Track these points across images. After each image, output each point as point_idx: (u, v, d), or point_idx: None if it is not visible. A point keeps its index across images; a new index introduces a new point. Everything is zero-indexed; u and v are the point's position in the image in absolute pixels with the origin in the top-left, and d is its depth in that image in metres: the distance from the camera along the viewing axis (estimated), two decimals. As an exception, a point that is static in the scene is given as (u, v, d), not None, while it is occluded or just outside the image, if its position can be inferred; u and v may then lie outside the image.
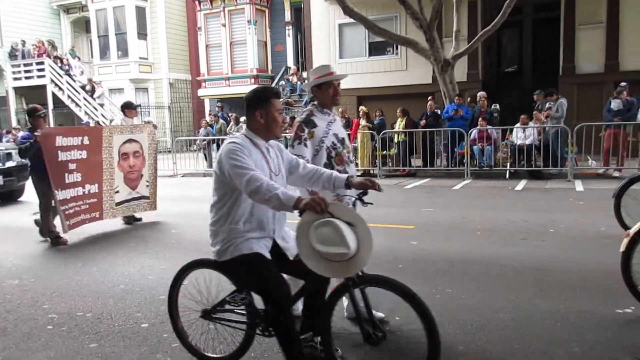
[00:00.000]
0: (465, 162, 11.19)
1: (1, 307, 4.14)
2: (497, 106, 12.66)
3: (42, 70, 21.35)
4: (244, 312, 2.80)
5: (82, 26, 25.13)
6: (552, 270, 4.54)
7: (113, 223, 7.45)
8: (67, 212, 6.38)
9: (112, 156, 7.06)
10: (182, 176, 14.10)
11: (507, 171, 11.01)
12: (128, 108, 7.98)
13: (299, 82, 19.47)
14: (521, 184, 9.96)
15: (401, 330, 2.96)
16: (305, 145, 3.33)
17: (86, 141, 6.67)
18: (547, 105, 11.11)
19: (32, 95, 22.33)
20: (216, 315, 2.92)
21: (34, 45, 21.85)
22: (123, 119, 7.94)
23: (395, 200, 8.79)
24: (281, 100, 2.69)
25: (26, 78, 22.04)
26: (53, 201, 6.39)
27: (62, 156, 6.37)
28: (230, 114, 16.14)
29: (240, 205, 2.63)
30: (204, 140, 15.27)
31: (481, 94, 12.37)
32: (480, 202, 8.25)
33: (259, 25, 20.90)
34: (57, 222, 6.53)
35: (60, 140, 6.36)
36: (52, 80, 21.27)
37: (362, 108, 12.93)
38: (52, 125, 21.17)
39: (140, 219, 7.69)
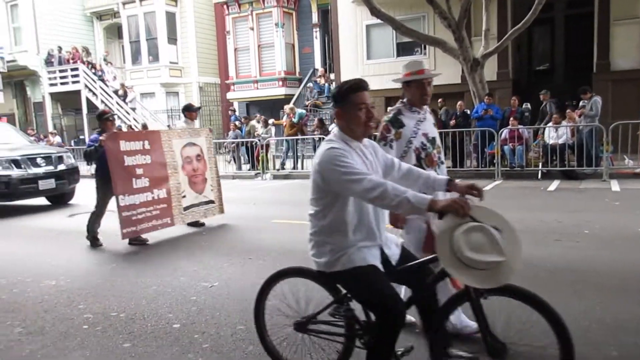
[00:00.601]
0: (495, 162, 11.01)
1: (39, 306, 4.26)
2: (529, 105, 12.43)
3: (77, 76, 21.96)
4: (341, 323, 2.62)
5: (115, 32, 25.73)
6: (587, 271, 4.44)
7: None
8: (134, 218, 6.27)
9: (175, 160, 6.93)
10: (212, 178, 14.24)
11: (539, 171, 10.79)
12: (189, 110, 7.84)
13: (326, 84, 19.48)
14: (554, 184, 9.75)
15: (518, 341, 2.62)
16: (391, 146, 3.16)
17: (147, 145, 6.57)
18: (581, 103, 10.86)
19: (67, 100, 23.03)
20: (311, 327, 2.72)
21: (69, 51, 22.50)
22: (185, 121, 7.82)
23: (425, 201, 8.69)
24: (366, 91, 2.43)
25: (61, 84, 22.73)
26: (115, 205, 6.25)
27: (129, 161, 6.29)
28: (260, 116, 16.25)
29: (348, 214, 2.41)
30: (232, 143, 15.44)
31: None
32: (511, 203, 8.10)
33: (287, 28, 21.02)
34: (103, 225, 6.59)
35: (124, 145, 6.27)
36: (86, 86, 21.84)
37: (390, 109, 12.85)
38: (86, 129, 21.82)
39: (203, 224, 7.49)
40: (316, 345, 2.84)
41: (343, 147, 2.39)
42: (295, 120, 14.59)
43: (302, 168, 14.05)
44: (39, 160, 9.74)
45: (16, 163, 9.42)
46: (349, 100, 2.42)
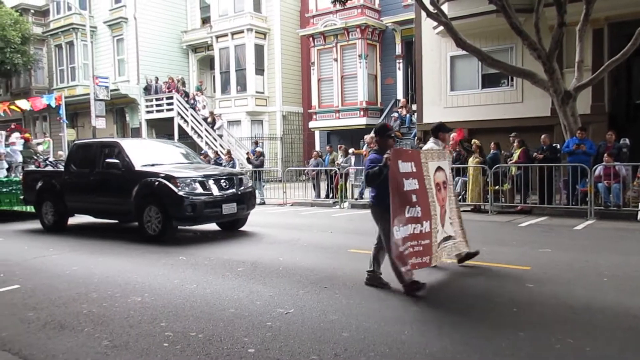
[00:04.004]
0: (588, 200, 10.33)
1: (125, 322, 4.48)
2: (627, 141, 11.61)
3: (171, 104, 23.52)
4: None
5: (207, 64, 27.36)
6: (696, 327, 3.99)
7: (223, 246, 7.82)
8: (404, 254, 5.19)
9: (431, 187, 5.78)
10: (291, 205, 14.50)
11: (638, 212, 9.98)
12: (442, 131, 6.48)
13: (408, 115, 19.39)
14: (656, 227, 8.97)
15: None
16: None
17: (413, 167, 5.49)
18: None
19: (161, 126, 24.62)
20: None
21: (165, 81, 24.18)
22: (435, 141, 6.44)
23: (509, 239, 8.30)
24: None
25: (157, 111, 24.47)
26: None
27: (407, 185, 5.31)
28: (340, 146, 16.41)
29: None
30: (313, 170, 15.66)
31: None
32: (606, 245, 7.53)
33: (370, 59, 21.29)
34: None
35: (401, 166, 5.31)
36: (179, 113, 23.27)
37: (475, 141, 12.52)
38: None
39: (477, 253, 6.30)
40: None
41: None
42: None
43: (381, 198, 13.89)
44: (223, 183, 8.89)
45: (202, 184, 8.60)
46: None
